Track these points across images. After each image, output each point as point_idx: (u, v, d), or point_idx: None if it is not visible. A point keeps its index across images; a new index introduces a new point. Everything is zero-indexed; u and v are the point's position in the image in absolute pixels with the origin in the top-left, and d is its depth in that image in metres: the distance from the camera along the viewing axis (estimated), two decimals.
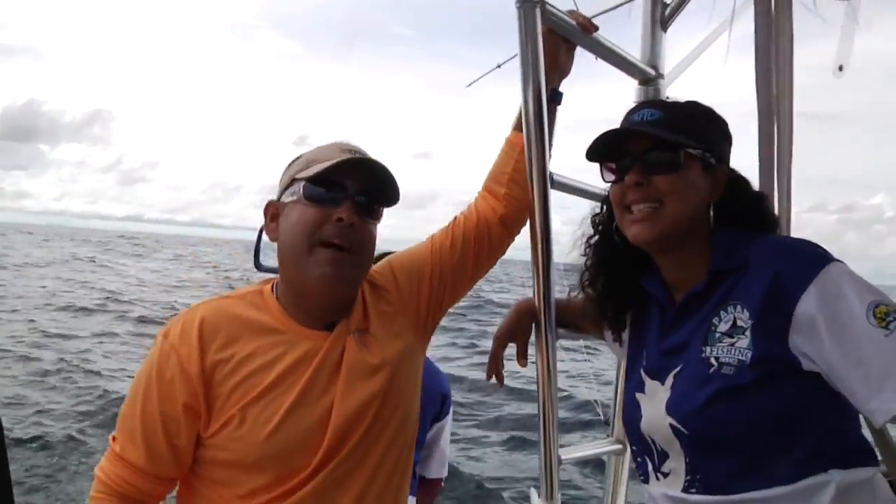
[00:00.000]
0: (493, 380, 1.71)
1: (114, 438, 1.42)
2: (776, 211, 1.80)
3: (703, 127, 1.32)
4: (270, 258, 1.51)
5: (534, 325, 1.56)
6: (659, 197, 1.28)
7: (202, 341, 1.36)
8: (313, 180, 1.37)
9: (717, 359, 1.22)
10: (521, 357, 1.67)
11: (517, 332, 1.67)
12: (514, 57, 1.49)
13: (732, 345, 1.20)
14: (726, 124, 1.37)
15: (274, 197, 1.49)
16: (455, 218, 1.69)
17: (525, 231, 1.61)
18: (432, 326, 1.65)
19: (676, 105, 1.36)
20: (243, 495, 1.37)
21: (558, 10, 1.44)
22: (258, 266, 1.53)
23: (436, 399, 2.68)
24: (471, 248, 1.63)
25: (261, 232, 1.50)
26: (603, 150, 1.36)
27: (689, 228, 1.30)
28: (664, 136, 1.28)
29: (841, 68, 1.73)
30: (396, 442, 1.48)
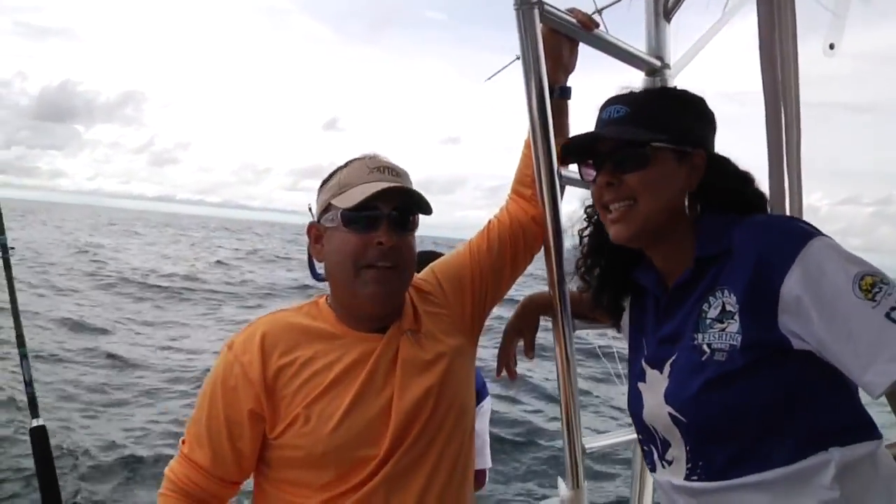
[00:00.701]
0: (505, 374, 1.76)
1: (183, 441, 1.52)
2: (787, 198, 1.81)
3: (673, 115, 1.31)
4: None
5: (551, 317, 1.59)
6: (631, 195, 1.29)
7: (264, 350, 1.45)
8: (349, 208, 1.43)
9: (709, 345, 1.22)
10: (529, 350, 1.75)
11: (524, 326, 1.74)
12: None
13: (723, 330, 1.20)
14: (702, 106, 1.36)
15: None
16: (489, 221, 1.76)
17: None
18: (479, 327, 1.71)
19: (643, 96, 1.36)
20: (315, 491, 1.44)
21: (557, 10, 1.46)
22: (316, 277, 1.61)
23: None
24: (507, 248, 1.70)
25: (310, 251, 1.58)
26: (576, 150, 1.39)
27: (668, 220, 1.30)
28: (625, 135, 1.29)
29: (832, 46, 1.71)
30: (456, 435, 1.54)
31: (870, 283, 1.08)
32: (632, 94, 1.35)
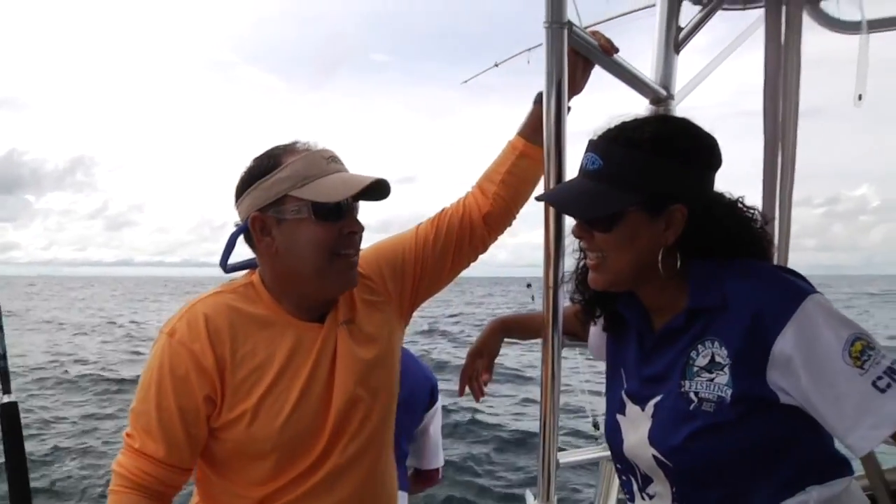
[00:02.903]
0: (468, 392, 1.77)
1: (128, 434, 1.46)
2: (776, 214, 1.86)
3: (650, 170, 1.24)
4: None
5: (541, 336, 1.61)
6: (601, 248, 1.30)
7: (210, 336, 1.41)
8: (326, 202, 1.41)
9: (696, 394, 1.22)
10: (485, 371, 1.75)
11: (485, 348, 1.76)
12: (512, 57, 1.54)
13: (711, 380, 1.21)
14: (693, 150, 1.27)
15: None
16: (443, 209, 1.74)
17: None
18: (410, 313, 1.72)
19: (621, 147, 1.26)
20: (256, 484, 1.45)
21: (583, 31, 1.48)
22: (225, 268, 1.56)
23: (425, 389, 2.72)
24: (453, 242, 1.69)
25: (234, 238, 1.51)
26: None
27: (641, 272, 1.29)
28: (587, 212, 1.28)
29: (860, 97, 1.79)
30: (388, 422, 1.59)
31: (859, 349, 1.11)
32: (607, 143, 1.28)
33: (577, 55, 1.58)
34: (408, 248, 1.67)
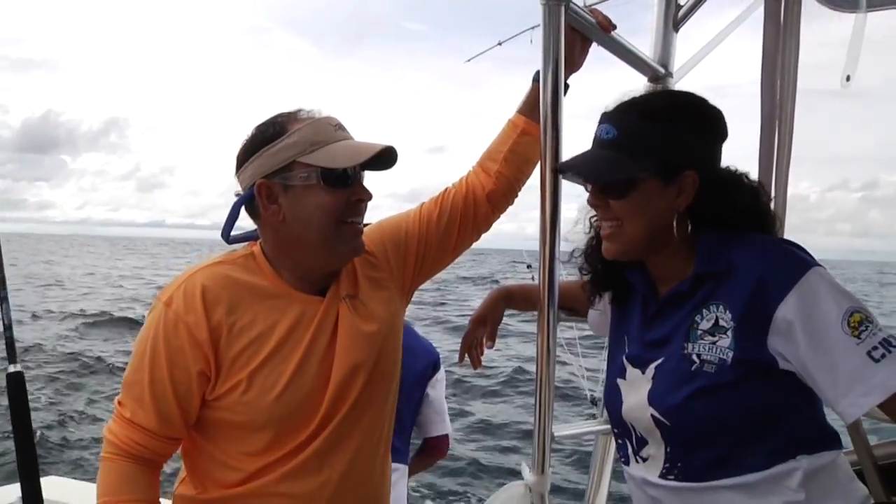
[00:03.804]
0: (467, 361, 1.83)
1: (120, 403, 1.46)
2: (773, 195, 1.87)
3: (662, 136, 1.29)
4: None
5: (537, 308, 1.63)
6: (617, 216, 1.33)
7: (207, 308, 1.41)
8: (335, 168, 1.41)
9: (698, 356, 1.27)
10: (489, 339, 1.80)
11: (488, 317, 1.80)
12: (516, 36, 1.54)
13: (714, 343, 1.26)
14: (701, 117, 1.33)
15: None
16: (446, 189, 1.74)
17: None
18: (412, 291, 1.73)
19: (633, 118, 1.32)
20: (251, 453, 1.45)
21: (581, 8, 1.49)
22: (227, 238, 1.55)
23: (426, 366, 2.76)
24: (456, 221, 1.69)
25: (238, 207, 1.49)
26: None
27: (657, 238, 1.34)
28: (603, 176, 1.33)
29: (848, 78, 1.79)
30: (387, 401, 1.59)
31: (858, 320, 1.16)
32: (622, 113, 1.34)
33: (576, 32, 1.58)
34: (411, 226, 1.68)
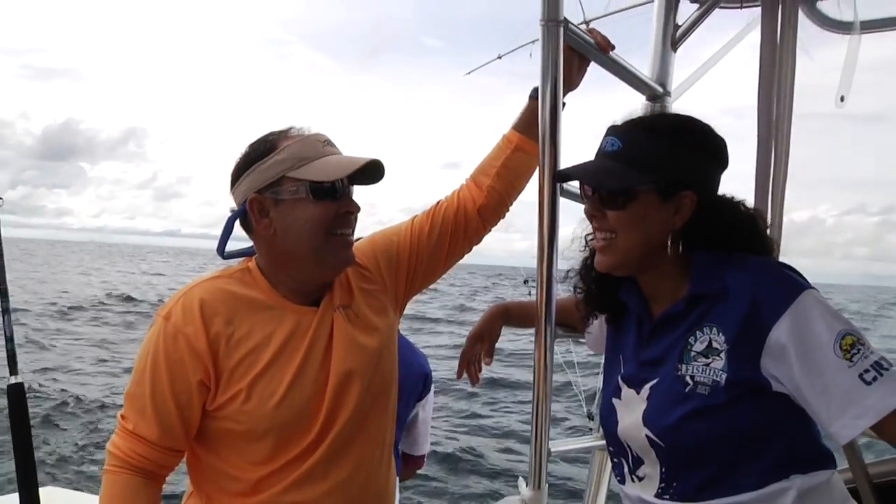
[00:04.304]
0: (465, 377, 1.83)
1: (123, 416, 1.49)
2: (769, 219, 1.88)
3: (665, 154, 1.31)
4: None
5: (535, 325, 1.64)
6: (612, 228, 1.34)
7: (205, 319, 1.44)
8: (323, 181, 1.45)
9: (692, 377, 1.28)
10: (487, 356, 1.81)
11: (485, 333, 1.81)
12: (515, 49, 1.56)
13: (707, 365, 1.26)
14: (704, 140, 1.35)
15: None
16: (438, 202, 1.77)
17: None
18: (405, 303, 1.76)
19: (638, 133, 1.34)
20: (252, 465, 1.47)
21: (579, 29, 1.51)
22: (223, 254, 1.59)
23: (418, 378, 2.77)
24: (447, 234, 1.73)
25: (232, 222, 1.54)
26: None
27: (649, 255, 1.35)
28: (604, 184, 1.34)
29: (842, 99, 1.81)
30: (384, 411, 1.61)
31: (850, 343, 1.17)
32: (629, 128, 1.37)
33: (574, 52, 1.60)
34: (403, 239, 1.71)
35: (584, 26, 1.56)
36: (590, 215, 1.39)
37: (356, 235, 1.61)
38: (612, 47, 1.60)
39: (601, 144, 1.38)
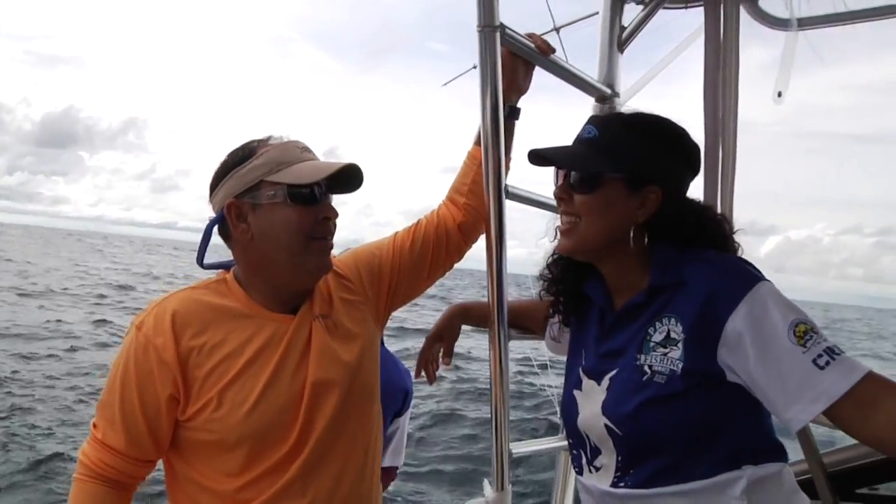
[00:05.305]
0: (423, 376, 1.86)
1: (94, 425, 1.48)
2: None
3: (638, 146, 1.35)
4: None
5: (487, 325, 1.65)
6: (578, 212, 1.37)
7: (175, 330, 1.43)
8: (300, 184, 1.45)
9: (650, 367, 1.29)
10: (446, 356, 1.84)
11: (445, 332, 1.83)
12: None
13: (665, 355, 1.28)
14: (677, 140, 1.39)
15: None
16: (418, 221, 1.79)
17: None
18: (386, 317, 1.75)
19: (615, 123, 1.39)
20: (227, 477, 1.45)
21: (517, 34, 1.52)
22: (202, 264, 1.58)
23: (398, 395, 2.76)
24: (429, 251, 1.73)
25: (210, 229, 1.52)
26: (543, 158, 1.45)
27: (610, 244, 1.37)
28: (576, 165, 1.37)
29: (780, 94, 1.84)
30: (365, 422, 1.59)
31: (803, 330, 1.19)
32: (607, 119, 1.41)
33: (518, 58, 1.63)
34: (385, 254, 1.72)
35: (522, 31, 1.58)
36: (558, 197, 1.41)
37: (347, 245, 1.62)
38: (553, 51, 1.62)
39: (579, 132, 1.41)
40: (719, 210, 1.90)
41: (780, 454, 1.32)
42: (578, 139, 1.40)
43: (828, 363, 1.17)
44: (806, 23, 1.80)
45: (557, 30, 2.15)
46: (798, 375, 1.18)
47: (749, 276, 1.26)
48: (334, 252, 1.58)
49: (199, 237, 1.56)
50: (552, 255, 1.57)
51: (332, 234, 1.52)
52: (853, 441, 1.38)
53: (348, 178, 1.51)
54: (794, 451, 1.49)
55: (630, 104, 1.98)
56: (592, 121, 1.40)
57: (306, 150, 1.51)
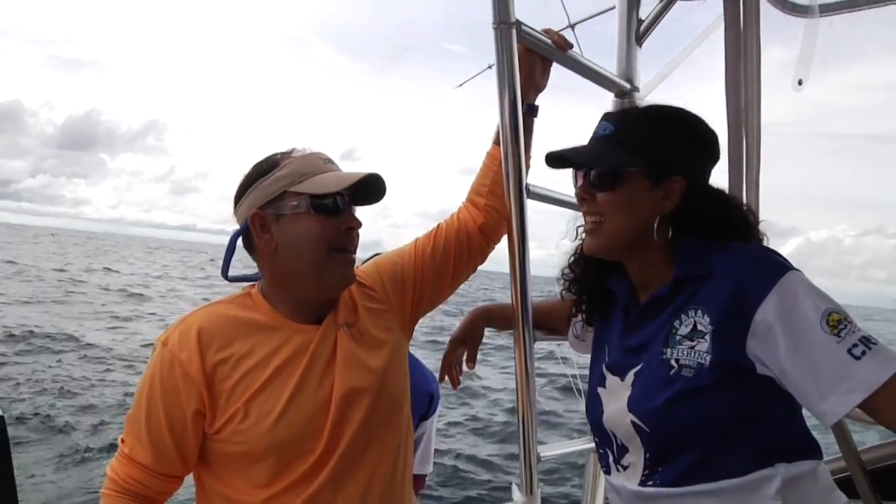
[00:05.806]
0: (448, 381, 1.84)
1: (122, 440, 1.50)
2: (745, 202, 1.87)
3: (657, 138, 1.33)
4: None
5: (512, 328, 1.63)
6: (601, 211, 1.35)
7: (201, 345, 1.44)
8: (322, 194, 1.46)
9: (677, 360, 1.27)
10: (470, 360, 1.82)
11: (468, 336, 1.82)
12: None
13: (692, 348, 1.25)
14: (696, 130, 1.37)
15: None
16: (438, 225, 1.78)
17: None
18: (413, 324, 1.75)
19: (631, 117, 1.39)
20: (256, 488, 1.45)
21: (533, 30, 1.51)
22: (227, 276, 1.59)
23: (424, 399, 2.75)
24: (451, 254, 1.73)
25: (234, 240, 1.53)
26: (561, 159, 1.43)
27: (636, 240, 1.35)
28: (594, 161, 1.34)
29: (800, 82, 1.80)
30: (393, 430, 1.57)
31: (836, 319, 1.15)
32: (622, 114, 1.40)
33: (534, 54, 1.61)
34: (407, 261, 1.72)
35: (539, 27, 1.56)
36: (580, 198, 1.39)
37: (365, 246, 1.61)
38: (570, 46, 1.60)
39: (595, 130, 1.39)
40: (745, 199, 1.87)
41: (814, 451, 1.27)
42: (594, 137, 1.38)
43: (864, 353, 1.13)
44: (828, 9, 1.76)
45: (573, 26, 2.13)
46: (832, 366, 1.14)
47: (778, 266, 1.23)
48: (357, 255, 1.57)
49: (218, 239, 1.56)
50: (573, 254, 1.55)
51: (355, 245, 1.52)
52: (893, 437, 1.33)
53: (371, 189, 1.52)
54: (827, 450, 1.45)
55: (650, 99, 1.95)
56: (607, 117, 1.38)
57: (329, 161, 1.52)
